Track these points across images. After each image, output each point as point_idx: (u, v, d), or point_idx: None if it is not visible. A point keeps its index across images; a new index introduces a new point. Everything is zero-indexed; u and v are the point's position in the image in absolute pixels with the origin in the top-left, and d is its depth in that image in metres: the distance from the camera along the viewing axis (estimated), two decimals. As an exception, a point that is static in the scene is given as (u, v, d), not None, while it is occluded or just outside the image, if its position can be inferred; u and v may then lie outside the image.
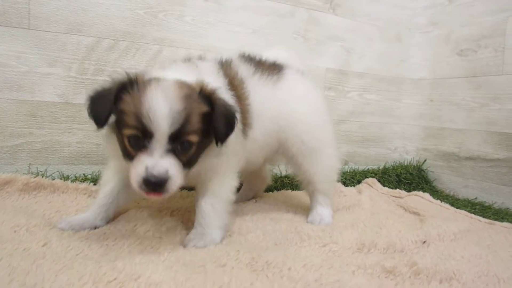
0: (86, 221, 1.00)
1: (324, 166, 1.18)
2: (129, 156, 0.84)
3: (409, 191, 1.74)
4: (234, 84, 1.00)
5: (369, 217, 1.25)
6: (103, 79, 1.38)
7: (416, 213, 1.32)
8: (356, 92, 1.85)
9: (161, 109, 0.78)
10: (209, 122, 0.85)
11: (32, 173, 1.29)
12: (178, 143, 0.81)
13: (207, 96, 0.85)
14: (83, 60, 1.35)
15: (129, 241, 0.93)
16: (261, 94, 1.05)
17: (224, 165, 0.96)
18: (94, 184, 1.30)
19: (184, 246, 0.92)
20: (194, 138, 0.83)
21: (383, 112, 1.93)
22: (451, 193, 1.74)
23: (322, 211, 1.18)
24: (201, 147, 0.87)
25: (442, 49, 1.81)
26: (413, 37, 1.93)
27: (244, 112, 1.00)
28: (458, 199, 1.66)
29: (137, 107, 0.80)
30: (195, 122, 0.82)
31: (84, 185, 1.27)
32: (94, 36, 1.35)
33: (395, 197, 1.55)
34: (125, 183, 1.00)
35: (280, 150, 1.16)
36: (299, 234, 1.03)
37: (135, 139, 0.81)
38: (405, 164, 1.90)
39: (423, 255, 0.94)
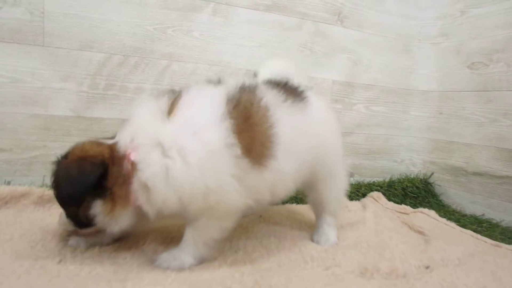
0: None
1: (337, 189, 1.17)
2: None
3: (415, 205, 1.75)
4: (248, 112, 0.90)
5: (373, 236, 1.25)
6: (114, 94, 1.41)
7: (421, 232, 1.32)
8: (363, 104, 1.85)
9: None
10: None
11: (46, 185, 1.33)
12: None
13: None
14: (94, 75, 1.38)
15: (139, 261, 0.96)
16: (292, 123, 0.97)
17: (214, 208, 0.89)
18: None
19: (153, 261, 0.93)
20: None
21: (390, 124, 1.94)
22: (458, 208, 1.74)
23: (329, 231, 1.19)
24: None
25: (452, 61, 1.80)
26: (422, 48, 1.92)
27: (262, 141, 0.90)
28: (465, 215, 1.66)
29: None
30: None
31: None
32: (105, 52, 1.39)
33: (400, 213, 1.55)
34: None
35: (307, 180, 1.11)
36: (303, 255, 1.05)
37: None
38: (412, 177, 1.90)
39: (426, 282, 0.95)
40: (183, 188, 0.82)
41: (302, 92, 1.08)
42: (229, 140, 0.84)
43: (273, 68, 1.14)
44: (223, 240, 1.00)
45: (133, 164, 0.83)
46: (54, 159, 1.33)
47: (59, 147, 1.37)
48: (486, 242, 1.29)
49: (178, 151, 0.81)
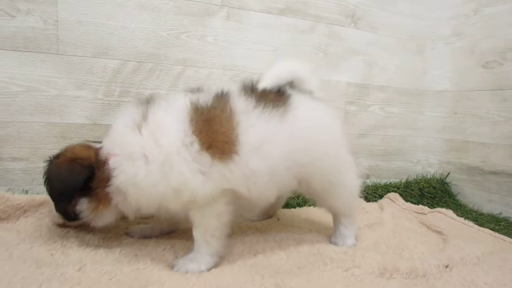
0: (142, 230, 1.17)
1: (345, 194, 1.14)
2: None
3: (432, 205, 1.73)
4: (209, 115, 0.95)
5: (391, 236, 1.24)
6: (129, 100, 1.42)
7: (439, 232, 1.30)
8: (378, 105, 1.84)
9: None
10: None
11: (62, 193, 1.34)
12: None
13: None
14: (109, 82, 1.39)
15: (159, 266, 0.96)
16: (263, 127, 0.97)
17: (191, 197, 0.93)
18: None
19: (173, 266, 0.97)
20: None
21: (405, 125, 1.92)
22: (475, 208, 1.72)
23: (345, 232, 1.18)
24: None
25: (466, 61, 1.78)
26: (436, 48, 1.90)
27: (224, 139, 0.93)
28: (482, 214, 1.64)
29: None
30: None
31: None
32: (120, 59, 1.40)
33: (418, 213, 1.53)
34: None
35: (301, 187, 1.10)
36: (322, 257, 1.04)
37: None
38: (428, 177, 1.88)
39: (446, 281, 0.94)
40: (149, 193, 0.91)
41: (286, 97, 1.04)
42: (187, 139, 0.90)
43: (281, 70, 1.12)
44: (234, 237, 1.08)
45: (110, 170, 0.93)
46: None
47: (76, 154, 1.38)
48: (504, 240, 1.27)
49: (142, 159, 0.91)
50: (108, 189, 0.95)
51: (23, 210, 1.21)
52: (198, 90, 1.04)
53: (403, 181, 1.84)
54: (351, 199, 1.17)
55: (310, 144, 1.03)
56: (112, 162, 0.93)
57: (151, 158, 0.90)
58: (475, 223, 1.43)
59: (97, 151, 0.99)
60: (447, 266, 1.00)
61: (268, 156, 0.97)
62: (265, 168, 0.97)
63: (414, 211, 1.56)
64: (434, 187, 1.80)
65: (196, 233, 0.99)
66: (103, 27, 1.36)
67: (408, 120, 1.92)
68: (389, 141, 1.89)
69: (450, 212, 1.46)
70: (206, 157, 0.91)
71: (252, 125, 0.96)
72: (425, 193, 1.78)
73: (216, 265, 0.99)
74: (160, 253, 1.05)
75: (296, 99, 1.05)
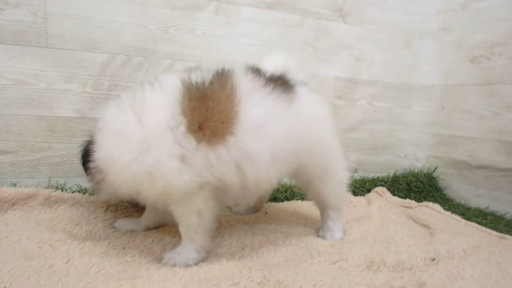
0: (129, 223, 1.18)
1: (336, 184, 1.17)
2: None
3: (419, 199, 1.76)
4: (206, 92, 0.92)
5: (379, 230, 1.26)
6: (117, 94, 1.42)
7: (426, 226, 1.32)
8: (366, 100, 1.85)
9: None
10: None
11: (52, 186, 1.34)
12: None
13: None
14: (98, 76, 1.39)
15: (147, 258, 0.97)
16: (268, 108, 0.97)
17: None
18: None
19: (160, 259, 0.97)
20: None
21: (393, 120, 1.94)
22: (462, 202, 1.74)
23: (333, 226, 1.20)
24: None
25: (454, 55, 1.80)
26: (424, 43, 1.92)
27: (219, 118, 0.90)
28: (469, 208, 1.67)
29: None
30: None
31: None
32: (108, 53, 1.39)
33: (405, 207, 1.56)
34: None
35: (297, 174, 1.11)
36: (309, 250, 1.06)
37: None
38: (415, 171, 1.90)
39: (432, 274, 0.95)
40: (123, 173, 0.87)
41: (292, 85, 1.08)
42: (173, 121, 0.87)
43: (273, 62, 1.12)
44: (221, 231, 1.07)
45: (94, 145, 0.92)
46: (59, 160, 1.36)
47: (65, 148, 1.38)
48: (491, 234, 1.29)
49: (122, 136, 0.87)
50: (92, 165, 0.94)
51: (11, 203, 1.20)
52: (197, 69, 1.01)
53: (391, 175, 1.86)
54: (341, 190, 1.20)
55: (311, 130, 1.07)
56: (96, 138, 0.92)
57: (130, 136, 0.87)
58: (462, 217, 1.45)
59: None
60: (433, 259, 1.02)
61: (271, 137, 0.95)
62: (267, 150, 0.94)
63: (401, 205, 1.58)
64: (421, 182, 1.83)
65: (180, 229, 0.99)
66: (91, 21, 1.35)
67: (396, 114, 1.94)
68: (377, 135, 1.91)
69: (437, 206, 1.48)
70: (191, 140, 0.87)
71: (257, 104, 0.95)
72: (413, 188, 1.81)
73: (204, 259, 1.00)
74: (148, 246, 1.05)
75: (300, 89, 1.09)
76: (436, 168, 1.88)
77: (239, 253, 1.04)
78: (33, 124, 1.33)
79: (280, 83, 1.05)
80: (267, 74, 1.04)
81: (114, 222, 1.21)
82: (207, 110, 0.89)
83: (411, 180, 1.82)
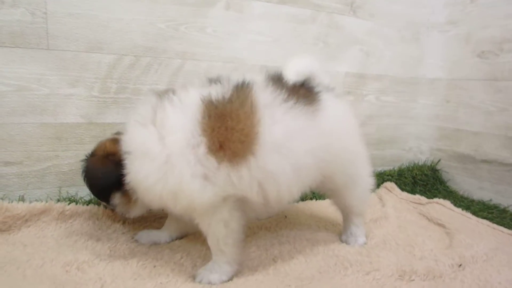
0: (151, 235, 1.15)
1: (361, 191, 1.16)
2: None
3: (424, 192, 1.79)
4: (225, 110, 0.89)
5: (397, 232, 1.27)
6: (126, 97, 1.35)
7: (441, 225, 1.35)
8: (374, 95, 1.84)
9: None
10: None
11: (63, 198, 1.28)
12: None
13: None
14: (105, 78, 1.31)
15: (181, 278, 0.95)
16: (290, 124, 0.93)
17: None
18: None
19: (194, 277, 0.95)
20: None
21: (399, 114, 1.94)
22: (465, 194, 1.79)
23: (356, 231, 1.20)
24: None
25: (461, 50, 1.80)
26: (431, 36, 1.90)
27: (239, 138, 0.87)
28: (473, 201, 1.71)
29: None
30: None
31: (116, 209, 1.26)
32: (115, 54, 1.31)
33: (415, 203, 1.58)
34: None
35: (323, 183, 1.08)
36: (339, 259, 1.06)
37: None
38: (419, 164, 1.93)
39: (462, 281, 0.97)
40: (150, 193, 0.89)
41: (316, 94, 1.03)
42: (194, 140, 0.85)
43: (296, 67, 1.06)
44: (247, 240, 1.07)
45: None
46: (67, 169, 1.30)
47: (72, 156, 1.31)
48: (503, 232, 1.33)
49: (146, 157, 0.87)
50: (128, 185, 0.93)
51: (24, 220, 1.14)
52: (217, 80, 0.97)
53: (396, 168, 1.88)
54: (366, 197, 1.20)
55: (337, 141, 1.04)
56: (125, 159, 0.92)
57: (154, 157, 0.86)
58: (468, 211, 1.49)
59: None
60: (460, 265, 1.04)
61: (294, 154, 0.92)
62: (289, 168, 0.92)
63: (411, 201, 1.60)
64: (426, 175, 1.86)
65: (209, 242, 0.97)
66: (96, 19, 1.26)
67: (402, 108, 1.94)
68: (383, 130, 1.91)
69: (448, 203, 1.51)
70: (212, 161, 0.85)
71: (278, 121, 0.91)
72: (418, 181, 1.84)
73: (237, 272, 0.98)
74: (178, 262, 1.03)
75: (325, 96, 1.05)
76: (439, 160, 1.91)
77: (272, 266, 1.03)
78: (37, 132, 1.25)
79: (304, 93, 1.01)
80: (289, 84, 1.00)
81: (135, 234, 1.17)
82: (227, 129, 0.87)
83: (416, 174, 1.84)
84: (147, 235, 1.16)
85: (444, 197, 1.68)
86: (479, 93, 1.73)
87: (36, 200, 1.24)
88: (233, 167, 0.86)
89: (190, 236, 1.18)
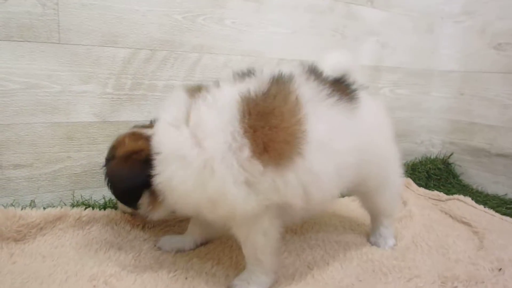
0: (175, 242, 1.08)
1: (393, 192, 1.13)
2: None
3: (438, 187, 1.78)
4: (268, 107, 0.82)
5: (425, 232, 1.24)
6: (141, 94, 1.27)
7: (467, 224, 1.33)
8: (388, 87, 1.80)
9: None
10: None
11: (77, 202, 1.21)
12: None
13: None
14: (119, 74, 1.22)
15: (215, 290, 0.90)
16: (333, 121, 0.89)
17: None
18: (145, 211, 1.24)
19: (232, 285, 0.91)
20: None
21: (412, 107, 1.91)
22: (479, 188, 1.78)
23: (386, 233, 1.17)
24: None
25: (476, 41, 1.76)
26: (445, 27, 1.86)
27: (285, 138, 0.81)
28: (488, 195, 1.70)
29: None
30: None
31: (135, 213, 1.20)
32: (131, 47, 1.22)
33: (434, 199, 1.56)
34: None
35: (355, 186, 1.03)
36: (374, 264, 1.02)
37: None
38: (432, 158, 1.91)
39: (505, 286, 0.96)
40: (183, 199, 0.83)
41: (354, 90, 1.00)
42: (235, 143, 0.77)
43: (332, 62, 1.00)
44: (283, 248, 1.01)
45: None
46: (80, 170, 1.22)
47: (85, 157, 1.23)
48: (526, 229, 1.33)
49: (180, 161, 0.80)
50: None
51: (39, 228, 1.07)
52: (249, 73, 0.90)
53: (409, 162, 1.86)
54: (397, 198, 1.18)
55: (374, 141, 1.00)
56: (155, 160, 0.84)
57: (189, 161, 0.78)
58: (485, 207, 1.47)
59: (148, 139, 0.89)
60: (500, 269, 1.02)
61: (336, 154, 0.87)
62: (332, 169, 0.87)
63: (430, 198, 1.58)
64: (439, 169, 1.84)
65: (245, 251, 0.92)
66: (111, 11, 1.17)
67: (415, 101, 1.91)
68: (396, 123, 1.83)
69: (469, 200, 1.49)
70: (257, 165, 0.77)
71: (323, 118, 0.86)
72: (432, 175, 1.82)
73: (274, 282, 0.94)
74: (210, 272, 0.97)
75: (362, 94, 1.01)
76: (451, 154, 1.90)
77: (309, 274, 0.98)
78: (48, 133, 1.17)
79: (344, 89, 0.97)
80: (330, 79, 0.95)
81: (157, 241, 1.11)
82: (271, 128, 0.79)
83: (429, 168, 1.82)
84: (170, 241, 1.10)
85: (458, 192, 1.67)
86: (495, 85, 1.70)
87: (49, 206, 1.17)
88: (278, 171, 0.79)
89: (216, 241, 1.13)
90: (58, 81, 1.15)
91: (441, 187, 1.78)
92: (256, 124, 0.79)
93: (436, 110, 1.93)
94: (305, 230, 1.24)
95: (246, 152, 0.77)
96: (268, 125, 0.79)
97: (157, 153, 0.84)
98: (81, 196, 1.23)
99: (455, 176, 1.87)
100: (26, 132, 1.14)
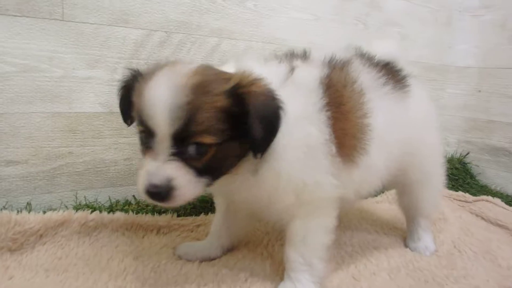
0: (199, 250, 0.94)
1: (434, 191, 1.06)
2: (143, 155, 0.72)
3: (456, 187, 1.70)
4: (340, 97, 0.79)
5: (464, 236, 1.16)
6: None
7: (503, 226, 1.25)
8: (407, 82, 1.71)
9: (160, 101, 0.64)
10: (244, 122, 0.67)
11: (80, 204, 1.05)
12: (187, 145, 0.65)
13: (240, 90, 0.67)
14: (130, 59, 1.08)
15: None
16: (388, 111, 0.85)
17: (311, 201, 0.77)
18: (160, 213, 1.09)
19: None
20: (207, 139, 0.66)
21: (429, 103, 1.83)
22: (498, 189, 1.71)
23: (424, 236, 1.08)
24: (229, 152, 0.70)
25: (495, 36, 1.70)
26: (463, 20, 1.79)
27: (354, 133, 0.79)
28: (508, 196, 1.64)
29: (139, 99, 0.67)
30: (209, 120, 0.65)
31: (148, 218, 1.05)
32: (143, 28, 1.08)
33: (461, 201, 1.48)
34: (231, 206, 0.92)
35: (397, 178, 0.98)
36: (424, 274, 0.93)
37: (144, 137, 0.69)
38: (447, 157, 1.83)
39: None
40: (287, 181, 0.73)
41: (404, 78, 0.95)
42: (325, 135, 0.74)
43: (382, 49, 0.95)
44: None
45: None
46: (83, 168, 1.06)
47: (89, 153, 1.08)
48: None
49: (302, 148, 0.73)
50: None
51: (38, 235, 0.92)
52: (305, 55, 0.84)
53: (426, 162, 1.77)
54: (437, 197, 1.12)
55: (419, 132, 0.96)
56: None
57: (296, 146, 0.72)
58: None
59: None
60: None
61: (387, 145, 0.84)
62: (382, 161, 0.84)
63: (455, 199, 1.51)
64: (456, 168, 1.77)
65: (293, 253, 0.80)
66: (123, -15, 1.02)
67: (431, 97, 1.82)
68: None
69: (498, 201, 1.42)
70: (338, 159, 0.75)
71: (381, 109, 0.82)
72: (449, 175, 1.73)
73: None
74: (244, 286, 0.84)
75: (415, 84, 0.97)
76: (468, 153, 1.83)
77: (357, 287, 0.87)
78: (48, 124, 1.01)
79: (395, 75, 0.93)
80: (382, 65, 0.91)
81: (175, 248, 0.97)
82: (347, 120, 0.77)
83: (447, 168, 1.74)
84: (193, 249, 0.96)
85: (477, 192, 1.60)
86: (516, 82, 1.64)
87: (47, 209, 1.01)
88: (348, 167, 0.78)
89: (243, 249, 1.00)
90: (60, 65, 1.00)
91: (459, 187, 1.70)
92: (333, 117, 0.75)
93: (452, 107, 1.86)
94: (337, 235, 1.12)
95: (332, 147, 0.74)
96: (345, 117, 0.77)
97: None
98: (85, 197, 1.08)
99: (472, 176, 1.80)
100: (22, 123, 0.98)
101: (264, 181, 0.73)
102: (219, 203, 0.95)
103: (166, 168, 0.65)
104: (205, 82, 0.66)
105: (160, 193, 0.65)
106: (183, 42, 1.14)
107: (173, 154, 0.65)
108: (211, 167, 0.68)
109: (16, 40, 0.93)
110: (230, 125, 0.66)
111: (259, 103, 0.66)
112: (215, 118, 0.65)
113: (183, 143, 0.65)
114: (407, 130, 0.90)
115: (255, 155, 0.69)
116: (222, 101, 0.65)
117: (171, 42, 1.12)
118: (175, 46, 1.13)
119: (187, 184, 0.66)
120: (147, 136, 0.67)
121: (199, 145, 0.65)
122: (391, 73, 0.91)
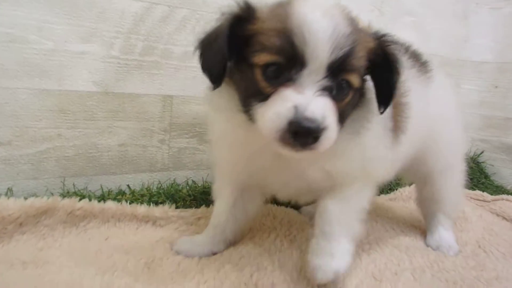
0: (198, 245, 0.85)
1: (456, 185, 1.02)
2: (259, 96, 0.60)
3: (471, 187, 1.60)
4: None
5: (488, 236, 1.08)
6: (153, 61, 1.03)
7: (528, 227, 1.16)
8: (421, 77, 1.63)
9: (322, 26, 0.56)
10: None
11: (68, 192, 0.95)
12: (335, 81, 0.59)
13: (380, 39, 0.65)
14: (129, 33, 0.99)
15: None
16: (416, 92, 0.83)
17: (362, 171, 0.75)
18: (156, 204, 0.99)
19: (313, 269, 0.71)
20: (355, 79, 0.61)
21: (443, 99, 1.74)
22: (514, 189, 1.62)
23: (447, 236, 1.01)
24: (352, 102, 0.65)
25: (514, 29, 1.62)
26: (480, 13, 1.71)
27: (399, 111, 0.78)
28: (526, 197, 1.55)
29: (283, 23, 0.58)
30: (362, 58, 0.60)
31: (143, 208, 0.95)
32: (144, 1, 0.99)
33: (479, 200, 1.39)
34: (241, 194, 0.84)
35: (414, 166, 0.95)
36: (451, 275, 0.85)
37: (276, 69, 0.59)
38: (462, 156, 1.74)
39: None
40: (364, 154, 0.72)
41: (426, 62, 0.94)
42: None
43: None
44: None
45: None
46: (73, 153, 0.97)
47: (80, 136, 0.99)
48: None
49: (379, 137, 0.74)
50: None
51: (17, 223, 0.82)
52: None
53: (439, 160, 1.68)
54: (461, 194, 1.06)
55: (443, 121, 0.95)
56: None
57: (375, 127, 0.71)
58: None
59: None
60: None
61: (411, 128, 0.81)
62: (406, 144, 0.81)
63: (472, 198, 1.41)
64: (471, 167, 1.67)
65: (334, 209, 0.74)
66: (122, -50, 0.93)
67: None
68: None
69: (519, 200, 1.33)
70: (391, 137, 0.76)
71: (412, 89, 0.81)
72: (464, 175, 1.65)
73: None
74: (250, 283, 0.75)
75: (437, 69, 0.96)
76: (482, 152, 1.74)
77: (382, 288, 0.77)
78: (35, 102, 0.92)
79: (419, 61, 0.92)
80: (408, 49, 0.91)
81: (173, 243, 0.86)
82: (396, 104, 0.76)
83: (461, 167, 1.65)
84: (192, 245, 0.86)
85: (492, 193, 1.51)
86: (536, 78, 1.56)
87: (31, 196, 0.90)
88: (395, 145, 0.77)
89: (248, 243, 0.90)
90: (50, 36, 0.90)
91: (474, 187, 1.61)
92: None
93: (466, 104, 1.77)
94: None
95: (390, 122, 0.75)
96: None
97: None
98: (74, 185, 0.98)
99: (486, 176, 1.70)
100: (6, 99, 0.89)
101: (364, 142, 0.70)
102: (227, 193, 0.84)
103: (319, 102, 0.56)
104: (356, 20, 0.62)
105: (316, 129, 0.55)
106: (187, 18, 1.05)
107: (323, 89, 0.57)
108: (343, 114, 0.63)
109: (1, 7, 0.84)
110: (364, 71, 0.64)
111: (398, 60, 0.64)
112: (365, 58, 0.61)
113: (337, 77, 0.58)
114: (426, 112, 0.88)
115: (383, 108, 0.66)
116: (372, 44, 0.62)
117: (174, 17, 1.03)
118: (178, 22, 1.04)
119: (335, 128, 0.58)
120: (285, 67, 0.58)
121: (347, 83, 0.60)
122: (415, 56, 0.91)
